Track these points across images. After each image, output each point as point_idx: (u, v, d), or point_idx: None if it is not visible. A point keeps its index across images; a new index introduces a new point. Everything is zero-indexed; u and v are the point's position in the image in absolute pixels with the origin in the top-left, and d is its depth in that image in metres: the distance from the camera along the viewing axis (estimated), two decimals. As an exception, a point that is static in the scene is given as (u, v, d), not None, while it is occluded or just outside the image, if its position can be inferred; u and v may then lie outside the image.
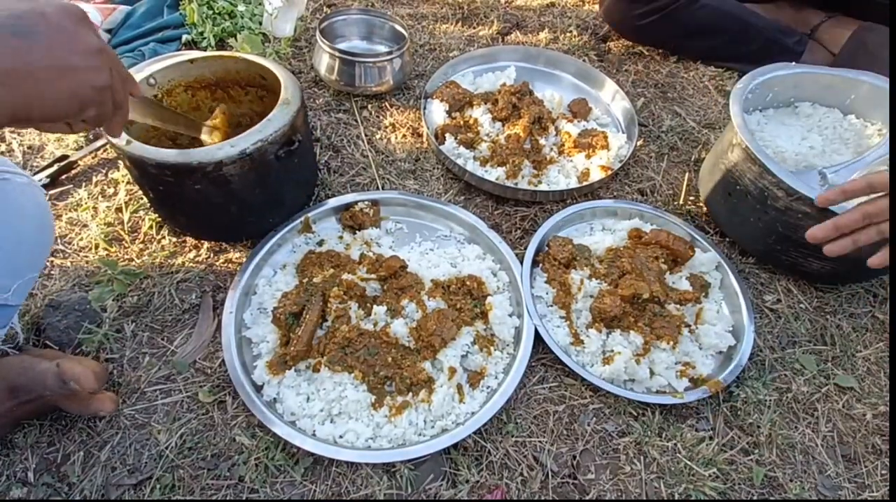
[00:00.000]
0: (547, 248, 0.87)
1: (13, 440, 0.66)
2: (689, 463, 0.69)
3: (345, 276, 0.77)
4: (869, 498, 0.71)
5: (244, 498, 0.63)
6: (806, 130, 0.97)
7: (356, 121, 1.09)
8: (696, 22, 1.14)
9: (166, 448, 0.67)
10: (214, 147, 0.72)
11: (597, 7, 1.43)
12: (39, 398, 0.62)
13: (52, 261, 0.84)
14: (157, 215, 0.85)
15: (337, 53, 1.05)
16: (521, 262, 0.84)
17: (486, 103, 1.06)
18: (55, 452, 0.66)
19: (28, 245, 0.61)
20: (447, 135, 1.01)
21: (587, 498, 0.66)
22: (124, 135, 0.71)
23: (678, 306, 0.81)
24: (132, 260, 0.85)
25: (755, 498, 0.68)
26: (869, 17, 1.16)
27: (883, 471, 0.74)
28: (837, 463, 0.74)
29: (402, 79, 1.12)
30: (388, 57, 1.07)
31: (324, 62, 1.08)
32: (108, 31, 1.18)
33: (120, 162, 0.97)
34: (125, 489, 0.63)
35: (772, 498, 0.69)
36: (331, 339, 0.72)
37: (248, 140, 0.73)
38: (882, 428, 0.77)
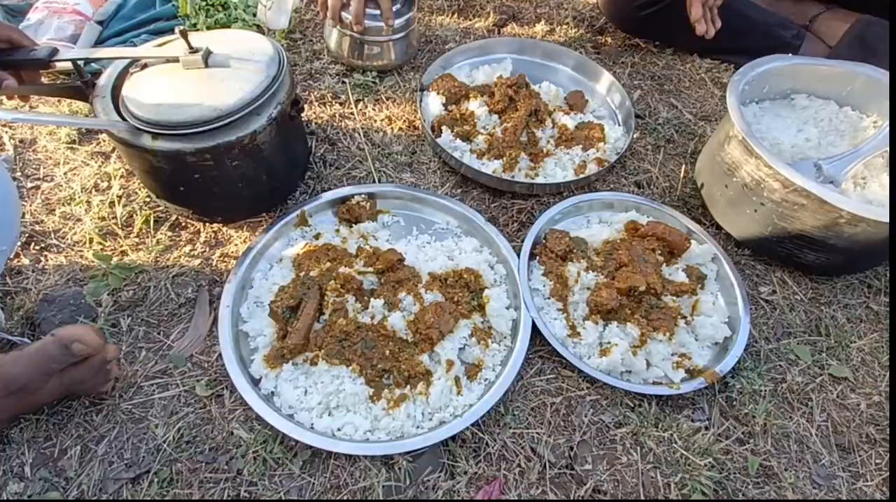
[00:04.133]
0: (544, 241, 0.87)
1: (9, 435, 0.65)
2: (685, 452, 0.70)
3: (342, 270, 0.77)
4: (864, 488, 0.72)
5: (243, 491, 0.63)
6: (802, 122, 0.97)
7: (352, 114, 1.08)
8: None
9: (164, 442, 0.67)
10: (241, 120, 0.74)
11: (593, -1, 1.42)
12: (48, 386, 0.61)
13: (45, 256, 0.83)
14: (184, 209, 0.84)
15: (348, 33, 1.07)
16: (518, 255, 0.84)
17: (482, 96, 1.05)
18: (52, 447, 0.65)
19: None
20: (444, 127, 1.01)
21: (584, 488, 0.66)
22: (147, 133, 0.71)
23: (674, 298, 0.81)
24: (127, 254, 0.84)
25: (750, 487, 0.69)
26: (866, 9, 1.16)
27: (877, 460, 0.74)
28: (832, 452, 0.74)
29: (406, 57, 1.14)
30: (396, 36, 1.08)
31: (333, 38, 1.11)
32: (100, 22, 1.17)
33: (114, 155, 0.96)
34: (123, 483, 0.63)
35: (770, 499, 0.69)
36: (328, 333, 0.72)
37: (272, 103, 0.76)
38: (876, 417, 0.78)
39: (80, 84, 0.78)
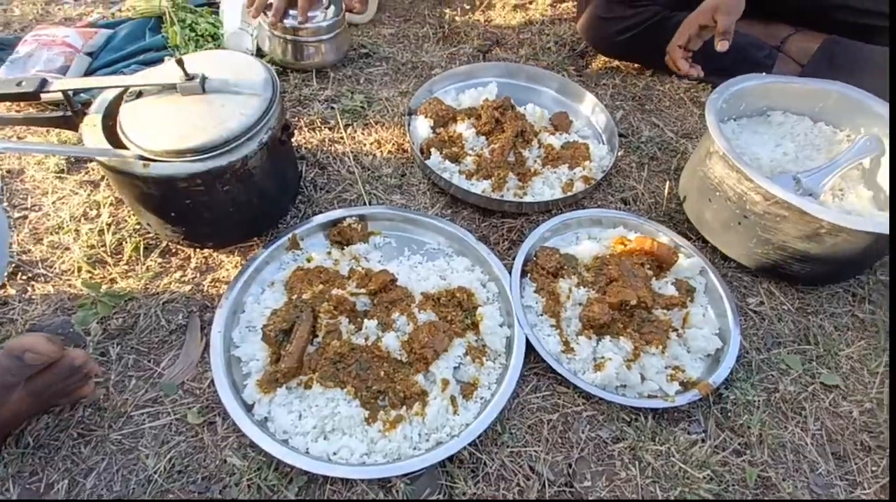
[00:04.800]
0: (535, 258, 0.88)
1: (-5, 463, 0.64)
2: (683, 466, 0.70)
3: (334, 292, 0.77)
4: (862, 495, 0.72)
5: (237, 521, 0.62)
6: (779, 137, 1.00)
7: (342, 138, 1.09)
8: (669, 37, 1.18)
9: (154, 472, 0.65)
10: (234, 144, 0.74)
11: (574, 24, 1.47)
12: (4, 398, 0.60)
13: (33, 286, 0.82)
14: (175, 235, 0.84)
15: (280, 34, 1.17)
16: (510, 273, 0.85)
17: (469, 118, 1.08)
18: (38, 481, 0.63)
19: None
20: (432, 149, 1.02)
21: (584, 505, 0.66)
22: (138, 160, 0.71)
23: (665, 311, 0.82)
24: (116, 281, 0.83)
25: (749, 498, 0.69)
26: (833, 31, 1.21)
27: (873, 468, 0.75)
28: (828, 461, 0.75)
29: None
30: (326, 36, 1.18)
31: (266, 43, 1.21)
32: (89, 54, 1.18)
33: (103, 183, 0.96)
34: (115, 514, 0.61)
35: (765, 499, 0.69)
36: (322, 355, 0.71)
37: (264, 129, 0.77)
38: (869, 424, 0.78)
39: (70, 114, 0.78)
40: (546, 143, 1.06)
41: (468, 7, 1.52)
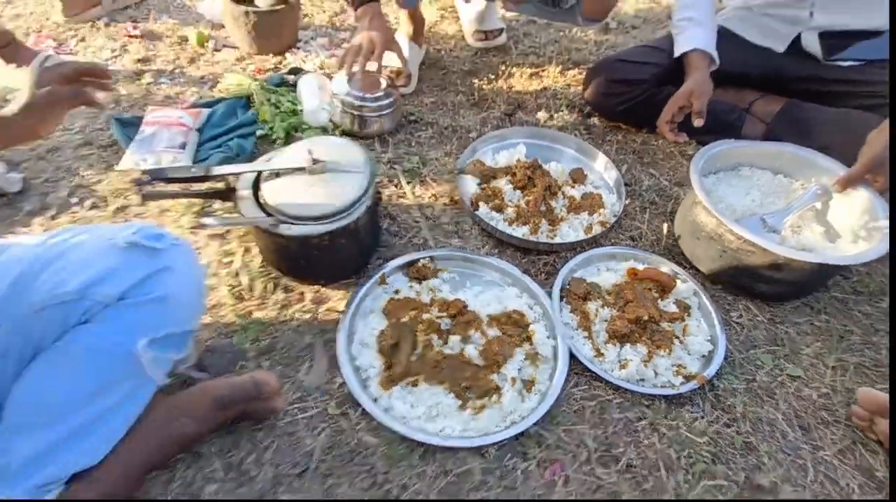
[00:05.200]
0: (568, 286, 1.16)
1: (199, 451, 0.89)
2: (688, 434, 0.96)
3: (424, 316, 1.04)
4: (824, 457, 0.98)
5: (378, 478, 0.87)
6: (748, 188, 1.30)
7: (405, 193, 1.38)
8: (658, 108, 1.48)
9: (312, 448, 0.91)
10: (350, 210, 1.02)
11: (579, 89, 1.77)
12: (240, 406, 0.86)
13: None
14: (297, 275, 1.12)
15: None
16: (550, 298, 1.12)
17: (506, 176, 1.37)
18: (233, 456, 0.89)
19: (195, 298, 0.86)
20: (480, 202, 1.31)
21: (619, 463, 0.92)
22: (287, 224, 0.99)
23: (669, 323, 1.09)
24: (253, 313, 1.10)
25: (738, 457, 0.95)
26: (792, 95, 1.52)
27: (832, 437, 1.01)
28: (795, 430, 1.01)
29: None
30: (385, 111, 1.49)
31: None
32: (198, 130, 1.47)
33: (230, 236, 1.23)
34: (292, 478, 0.86)
35: (767, 499, 0.95)
36: (423, 362, 0.98)
37: (367, 197, 1.05)
38: (827, 404, 1.05)
39: (226, 189, 1.06)
40: (569, 195, 1.35)
41: (493, 76, 1.83)
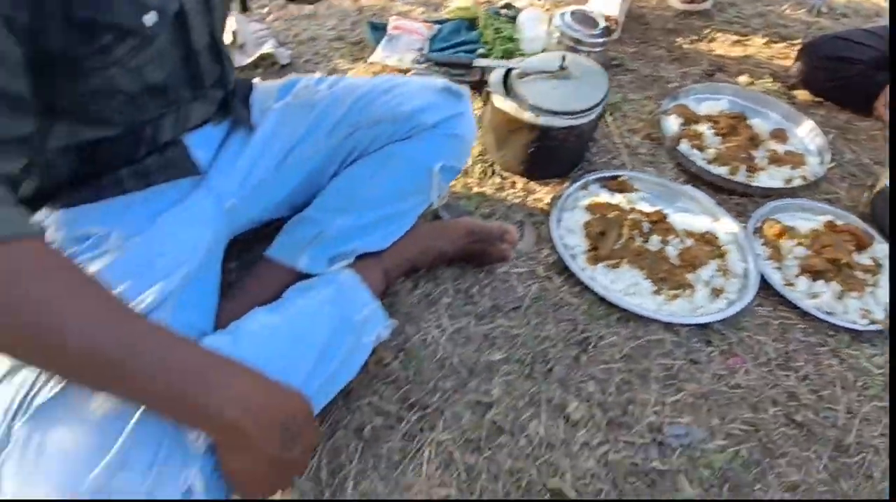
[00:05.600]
0: (760, 225, 1.23)
1: (437, 272, 1.10)
2: (867, 365, 1.02)
3: (629, 216, 1.17)
4: None
5: (579, 328, 1.03)
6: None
7: (608, 123, 1.50)
8: (872, 89, 1.47)
9: (523, 295, 1.08)
10: (591, 112, 1.17)
11: (785, 62, 1.77)
12: (484, 244, 1.05)
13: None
14: (514, 166, 1.29)
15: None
16: (745, 229, 1.20)
17: (709, 122, 1.44)
18: (460, 283, 1.09)
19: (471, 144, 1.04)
20: (682, 140, 1.40)
21: (797, 374, 1.00)
22: (528, 109, 1.16)
23: (862, 273, 1.13)
24: (472, 188, 1.29)
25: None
26: None
27: None
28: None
29: None
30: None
31: None
32: (429, 40, 1.69)
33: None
34: (508, 310, 1.05)
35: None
36: (625, 250, 1.12)
37: (603, 104, 1.20)
38: None
39: (479, 80, 1.26)
40: (771, 149, 1.40)
41: (694, 37, 1.88)
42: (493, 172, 1.34)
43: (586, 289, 1.09)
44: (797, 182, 1.32)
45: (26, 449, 0.54)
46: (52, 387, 0.56)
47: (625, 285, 1.08)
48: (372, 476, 0.84)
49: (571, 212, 1.24)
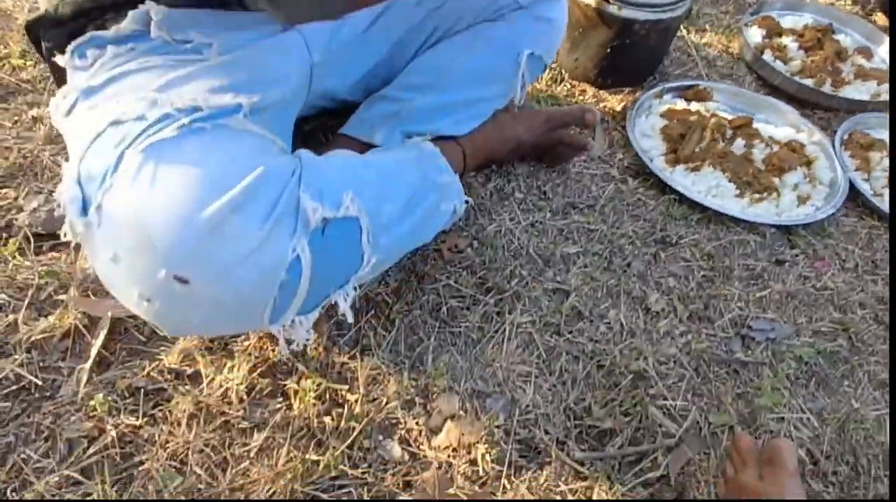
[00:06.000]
0: (848, 137, 1.17)
1: (509, 168, 1.07)
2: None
3: (711, 121, 1.12)
4: None
5: (658, 228, 1.00)
6: None
7: (683, 35, 1.42)
8: None
9: (598, 195, 1.05)
10: (677, 7, 1.10)
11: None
12: (563, 131, 1.02)
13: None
14: (584, 72, 1.23)
15: None
16: (833, 140, 1.14)
17: (793, 35, 1.36)
18: (532, 181, 1.06)
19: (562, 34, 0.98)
20: (765, 50, 1.32)
21: (883, 282, 0.96)
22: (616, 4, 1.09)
23: (958, 189, 1.08)
24: (542, 92, 1.24)
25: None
26: None
27: None
28: None
29: None
30: None
31: None
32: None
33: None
34: (582, 207, 1.02)
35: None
36: (707, 152, 1.07)
37: (687, 2, 1.13)
38: None
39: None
40: (858, 63, 1.31)
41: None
42: (563, 79, 1.28)
43: (663, 191, 1.05)
44: (884, 97, 1.25)
45: (139, 175, 0.54)
46: (172, 130, 0.56)
47: (706, 187, 1.04)
48: (451, 350, 0.84)
49: (646, 118, 1.19)
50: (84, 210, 0.57)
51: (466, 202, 0.86)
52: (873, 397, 0.84)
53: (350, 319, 0.70)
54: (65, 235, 0.60)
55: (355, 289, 0.69)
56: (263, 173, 0.57)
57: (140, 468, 0.69)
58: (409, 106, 0.90)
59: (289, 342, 0.68)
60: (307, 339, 0.67)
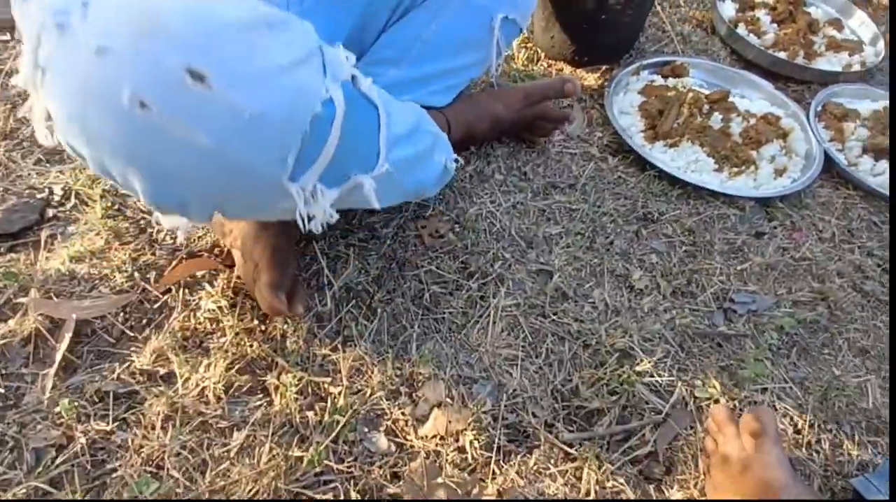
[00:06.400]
0: (822, 108, 1.18)
1: (487, 149, 1.04)
2: (936, 243, 1.00)
3: (689, 95, 1.11)
4: None
5: (640, 205, 0.99)
6: None
7: (657, 11, 1.41)
8: None
9: (578, 174, 1.04)
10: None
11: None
12: (544, 104, 0.99)
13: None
14: (560, 51, 1.19)
15: None
16: (807, 112, 1.15)
17: (766, 8, 1.36)
18: (515, 162, 1.04)
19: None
20: (739, 24, 1.32)
21: (854, 246, 0.97)
22: None
23: (929, 157, 1.09)
24: (511, 66, 1.22)
25: None
26: None
27: None
28: None
29: None
30: None
31: None
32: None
33: None
34: (563, 188, 1.00)
35: None
36: (686, 127, 1.06)
37: None
38: None
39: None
40: (829, 35, 1.32)
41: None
42: (539, 59, 1.26)
43: (643, 168, 1.05)
44: (856, 68, 1.26)
45: None
46: None
47: (685, 162, 1.03)
48: (435, 337, 0.82)
49: (624, 95, 1.18)
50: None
51: (456, 161, 0.82)
52: (854, 364, 0.85)
53: (375, 205, 0.62)
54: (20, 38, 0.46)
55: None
56: (294, 19, 0.52)
57: (113, 475, 0.65)
58: (382, 80, 0.86)
59: (309, 218, 0.58)
60: (330, 215, 0.58)
